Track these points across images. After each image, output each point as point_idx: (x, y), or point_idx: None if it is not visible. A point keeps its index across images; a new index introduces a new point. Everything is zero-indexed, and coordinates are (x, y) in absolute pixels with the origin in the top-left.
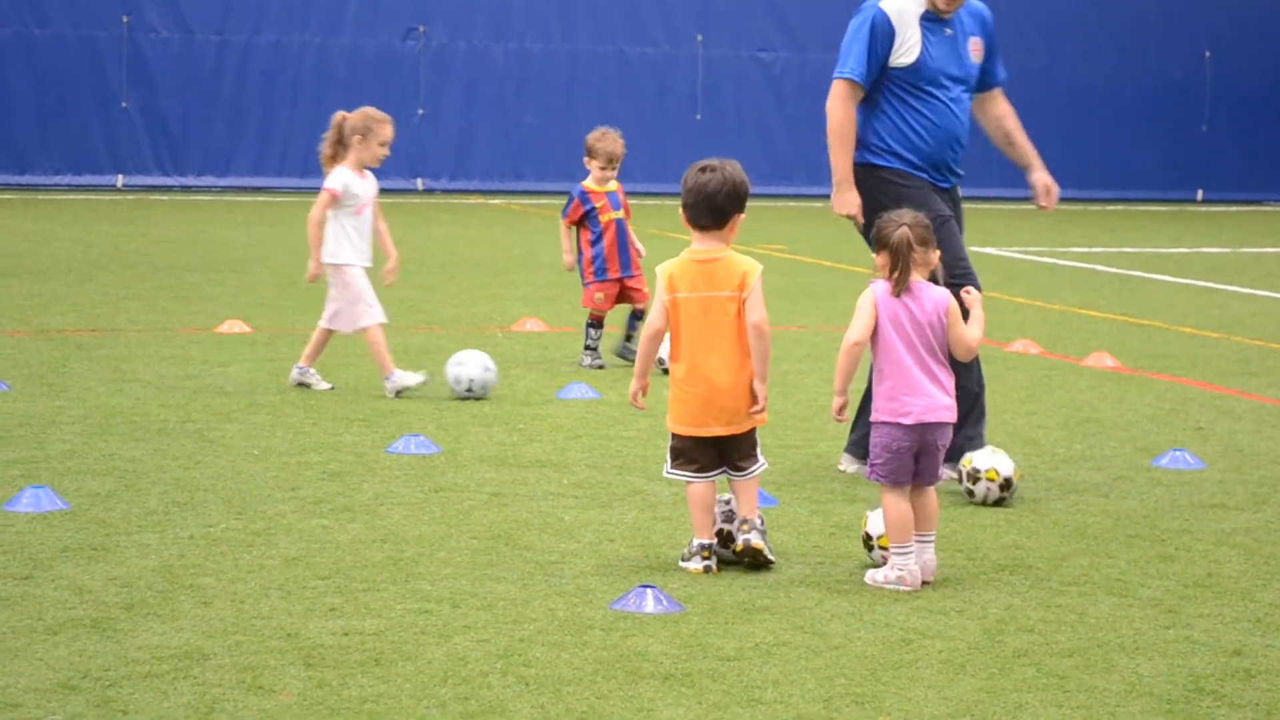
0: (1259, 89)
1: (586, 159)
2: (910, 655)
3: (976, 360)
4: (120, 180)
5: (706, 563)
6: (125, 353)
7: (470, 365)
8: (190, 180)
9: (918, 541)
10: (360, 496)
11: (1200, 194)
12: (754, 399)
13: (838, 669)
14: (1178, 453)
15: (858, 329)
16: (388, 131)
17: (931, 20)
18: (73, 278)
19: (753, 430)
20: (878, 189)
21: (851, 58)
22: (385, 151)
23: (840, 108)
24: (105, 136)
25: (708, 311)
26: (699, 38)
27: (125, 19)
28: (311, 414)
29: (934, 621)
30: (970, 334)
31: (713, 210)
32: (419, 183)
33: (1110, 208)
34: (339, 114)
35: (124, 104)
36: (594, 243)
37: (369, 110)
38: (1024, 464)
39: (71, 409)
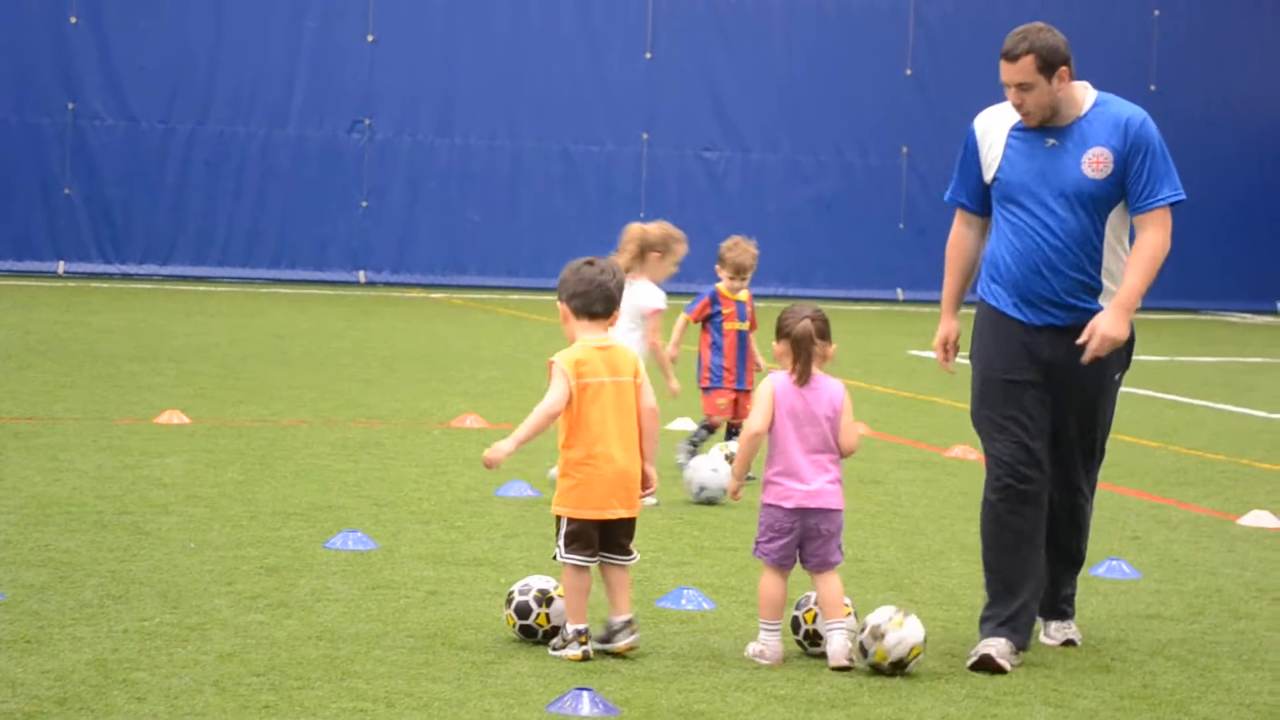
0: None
1: (717, 266)
2: None
3: (1087, 525)
4: (61, 267)
5: (584, 648)
6: (62, 441)
7: (699, 470)
8: (132, 268)
9: (829, 628)
10: (297, 592)
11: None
12: (646, 481)
13: None
14: (1114, 562)
15: (756, 419)
16: (682, 250)
17: (1025, 131)
18: (11, 365)
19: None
20: (978, 318)
21: (954, 178)
22: (675, 270)
23: (951, 232)
24: (47, 223)
25: (618, 396)
26: (644, 136)
27: (70, 105)
28: (249, 507)
29: None
30: (851, 437)
31: (604, 299)
32: (360, 275)
33: None
34: (636, 227)
35: (66, 190)
36: (714, 347)
37: (669, 229)
38: (963, 570)
39: (7, 498)
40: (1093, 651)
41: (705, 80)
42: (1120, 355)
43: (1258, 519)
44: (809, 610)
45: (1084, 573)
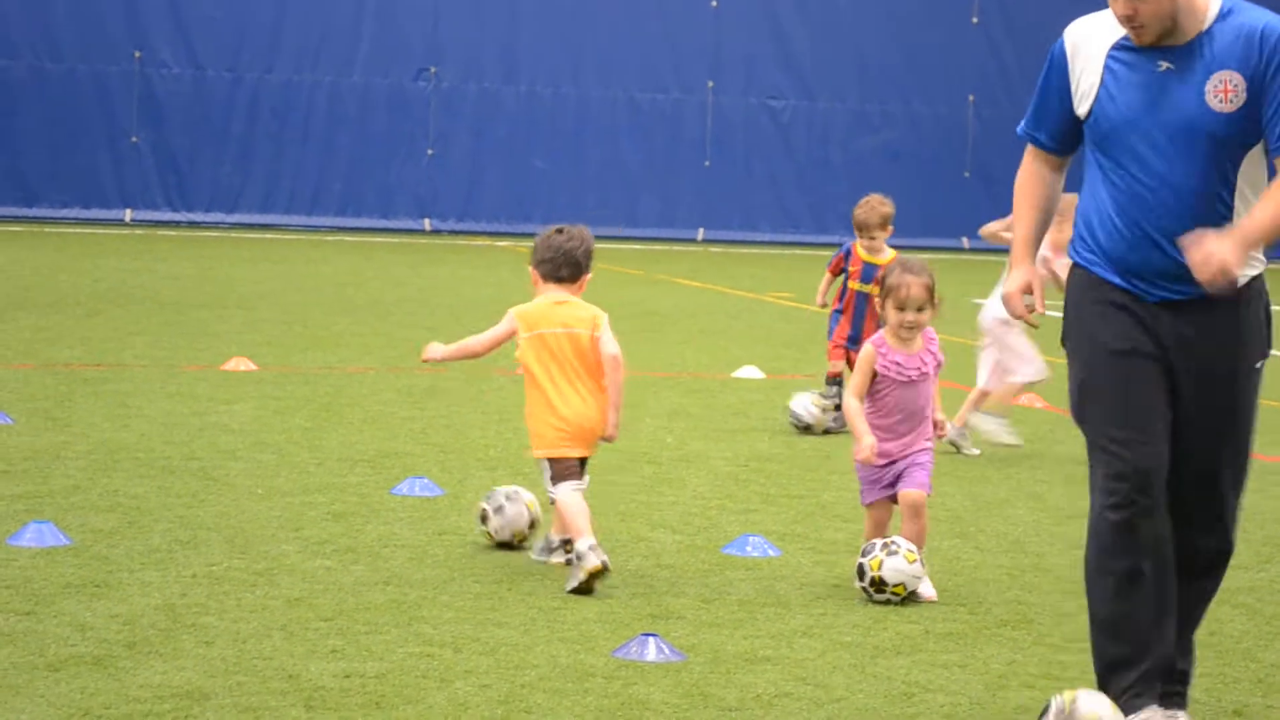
0: None
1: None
2: (912, 709)
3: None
4: (128, 215)
5: (569, 556)
6: (130, 388)
7: (797, 402)
8: (198, 216)
9: None
10: (364, 538)
11: None
12: (606, 425)
13: None
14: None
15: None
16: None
17: (1130, 51)
18: (79, 312)
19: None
20: (1070, 290)
21: (1031, 107)
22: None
23: (1020, 172)
24: (114, 171)
25: (572, 346)
26: (710, 84)
27: (137, 55)
28: (316, 454)
29: (936, 675)
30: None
31: (570, 265)
32: (426, 223)
33: None
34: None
35: (134, 139)
36: (838, 304)
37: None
38: (1029, 518)
39: (76, 444)
40: None
41: (771, 28)
42: (1260, 337)
43: None
44: (874, 558)
45: None
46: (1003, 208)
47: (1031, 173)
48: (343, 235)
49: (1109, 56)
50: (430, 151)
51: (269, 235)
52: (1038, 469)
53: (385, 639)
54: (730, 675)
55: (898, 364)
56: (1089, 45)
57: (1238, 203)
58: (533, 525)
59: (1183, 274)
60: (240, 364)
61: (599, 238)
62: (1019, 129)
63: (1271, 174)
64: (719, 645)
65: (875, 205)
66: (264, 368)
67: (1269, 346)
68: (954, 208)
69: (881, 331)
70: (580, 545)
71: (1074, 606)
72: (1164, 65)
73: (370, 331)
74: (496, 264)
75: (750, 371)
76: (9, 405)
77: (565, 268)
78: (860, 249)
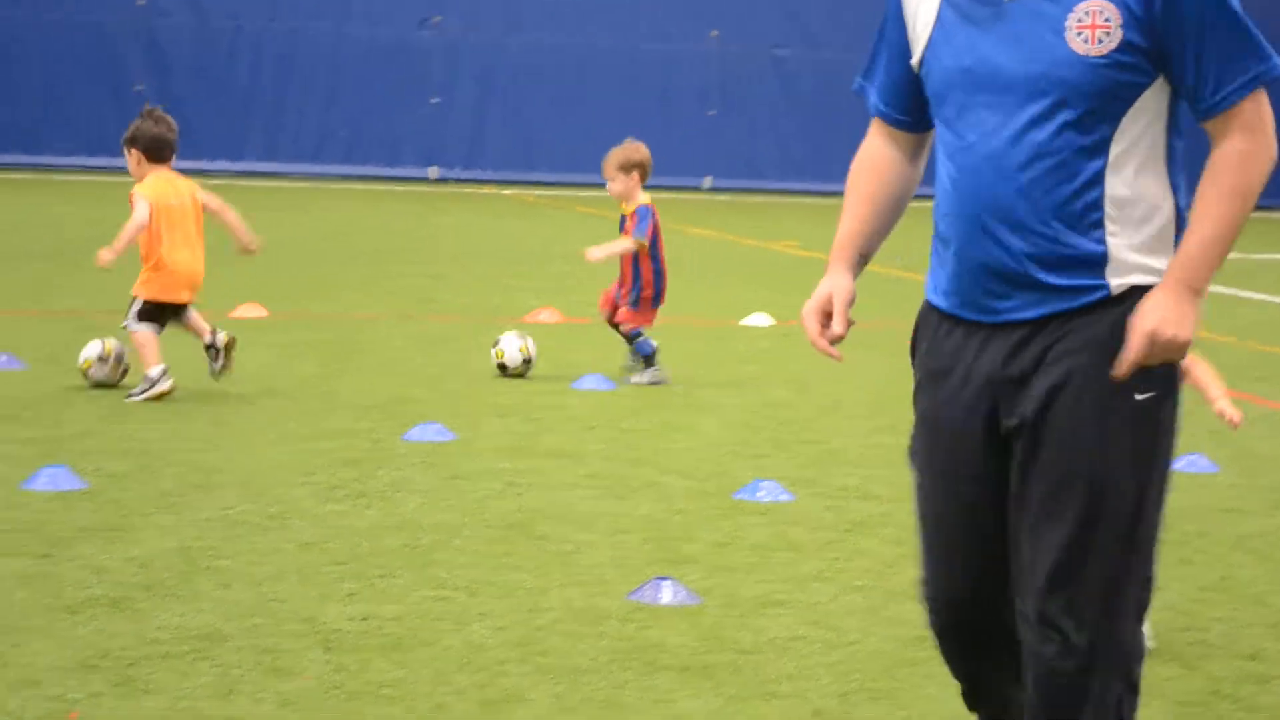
0: None
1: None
2: (926, 653)
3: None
4: None
5: (171, 381)
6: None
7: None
8: (204, 164)
9: None
10: (376, 483)
11: None
12: (246, 237)
13: (854, 664)
14: (1193, 457)
15: None
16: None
17: None
18: (85, 260)
19: None
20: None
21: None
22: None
23: (860, 149)
24: (118, 120)
25: (184, 212)
26: (714, 33)
27: (140, 2)
28: (328, 400)
29: None
30: None
31: (170, 148)
32: (432, 171)
33: None
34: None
35: (138, 87)
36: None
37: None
38: None
39: (88, 389)
40: (1173, 545)
41: None
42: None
43: None
44: None
45: None
46: None
47: (869, 151)
48: (348, 183)
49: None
50: (435, 99)
51: (274, 183)
52: None
53: (400, 583)
54: (744, 619)
55: None
56: None
57: (1114, 182)
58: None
59: (1026, 279)
60: (250, 310)
61: (603, 185)
62: (854, 86)
63: (1172, 149)
64: (733, 589)
65: (622, 148)
66: (274, 314)
67: (1166, 377)
68: None
69: None
70: (154, 372)
71: None
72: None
73: (378, 279)
74: (503, 212)
75: (760, 318)
76: (20, 350)
77: (167, 148)
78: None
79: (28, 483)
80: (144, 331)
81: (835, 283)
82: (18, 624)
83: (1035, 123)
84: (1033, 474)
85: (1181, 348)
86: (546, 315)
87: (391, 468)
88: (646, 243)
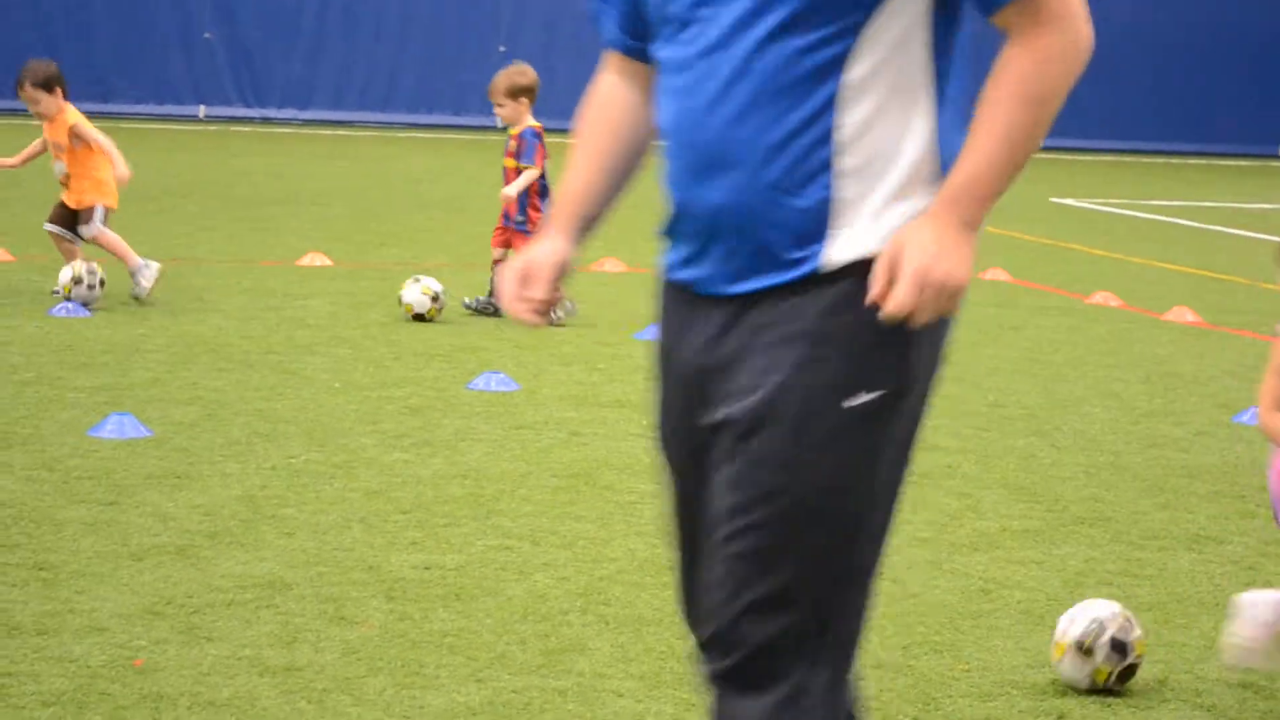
0: None
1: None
2: (989, 605)
3: None
4: (202, 111)
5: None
6: (206, 283)
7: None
8: (271, 112)
9: None
10: (441, 432)
11: None
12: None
13: (916, 617)
14: (1258, 409)
15: None
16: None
17: None
18: (152, 207)
19: None
20: None
21: None
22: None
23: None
24: (187, 67)
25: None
26: None
27: None
28: (393, 349)
29: (1013, 572)
30: None
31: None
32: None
33: (1190, 160)
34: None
35: (207, 35)
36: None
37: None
38: (1105, 416)
39: (155, 337)
40: (1237, 499)
41: None
42: (857, 359)
43: None
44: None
45: (1228, 419)
46: (1078, 110)
47: (603, 93)
48: (415, 132)
49: None
50: (502, 48)
51: (341, 132)
52: (1114, 367)
53: (464, 531)
54: None
55: None
56: None
57: (847, 116)
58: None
59: (738, 246)
60: (315, 259)
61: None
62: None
63: (941, 74)
64: None
65: (508, 72)
66: (338, 263)
67: (892, 374)
68: None
69: None
70: (142, 262)
71: (1150, 505)
72: None
73: (443, 228)
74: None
75: None
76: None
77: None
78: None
79: (95, 430)
80: (112, 234)
81: (546, 247)
82: (84, 570)
83: (749, 34)
84: (723, 485)
85: (955, 293)
86: (611, 265)
87: (456, 417)
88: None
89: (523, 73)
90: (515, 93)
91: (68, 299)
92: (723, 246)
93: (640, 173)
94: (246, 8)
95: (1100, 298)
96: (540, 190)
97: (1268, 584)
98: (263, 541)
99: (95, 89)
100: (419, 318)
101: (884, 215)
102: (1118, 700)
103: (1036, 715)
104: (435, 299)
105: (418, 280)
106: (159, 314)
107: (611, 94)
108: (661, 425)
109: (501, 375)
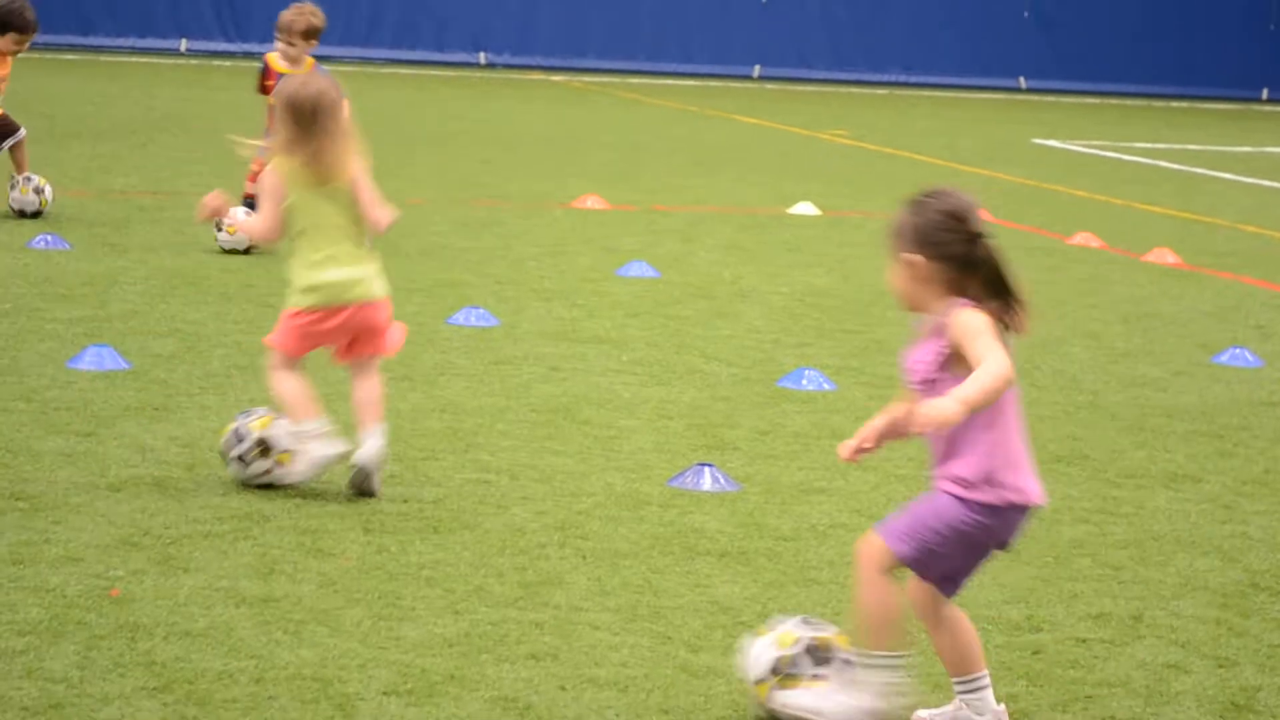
0: None
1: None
2: None
3: None
4: (184, 45)
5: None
6: (187, 216)
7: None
8: (253, 46)
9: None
10: (420, 366)
11: (1265, 93)
12: None
13: None
14: (1237, 350)
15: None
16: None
17: None
18: (135, 140)
19: None
20: None
21: None
22: None
23: None
24: (169, 1)
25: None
26: None
27: None
28: None
29: None
30: None
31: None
32: (481, 56)
33: (1173, 104)
34: None
35: None
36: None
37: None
38: (1085, 356)
39: (134, 270)
40: (1215, 438)
41: None
42: None
43: None
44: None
45: (1207, 360)
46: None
47: None
48: (397, 68)
49: None
50: None
51: (324, 67)
52: (1094, 308)
53: (442, 465)
54: (785, 505)
55: None
56: None
57: None
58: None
59: None
60: None
61: (654, 73)
62: None
63: None
64: (774, 476)
65: (306, 13)
66: None
67: None
68: (1010, 47)
69: None
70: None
71: (1128, 444)
72: None
73: (425, 164)
74: (553, 99)
75: (806, 208)
76: (67, 231)
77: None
78: (276, 60)
79: (73, 362)
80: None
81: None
82: (61, 501)
83: None
84: None
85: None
86: (593, 202)
87: (435, 351)
88: None
89: (316, 13)
90: (310, 34)
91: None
92: None
93: None
94: None
95: (1081, 238)
96: None
97: (1244, 523)
98: None
99: (75, 23)
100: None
101: None
102: (1093, 637)
103: (1012, 650)
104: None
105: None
106: (138, 247)
107: None
108: None
109: (481, 310)
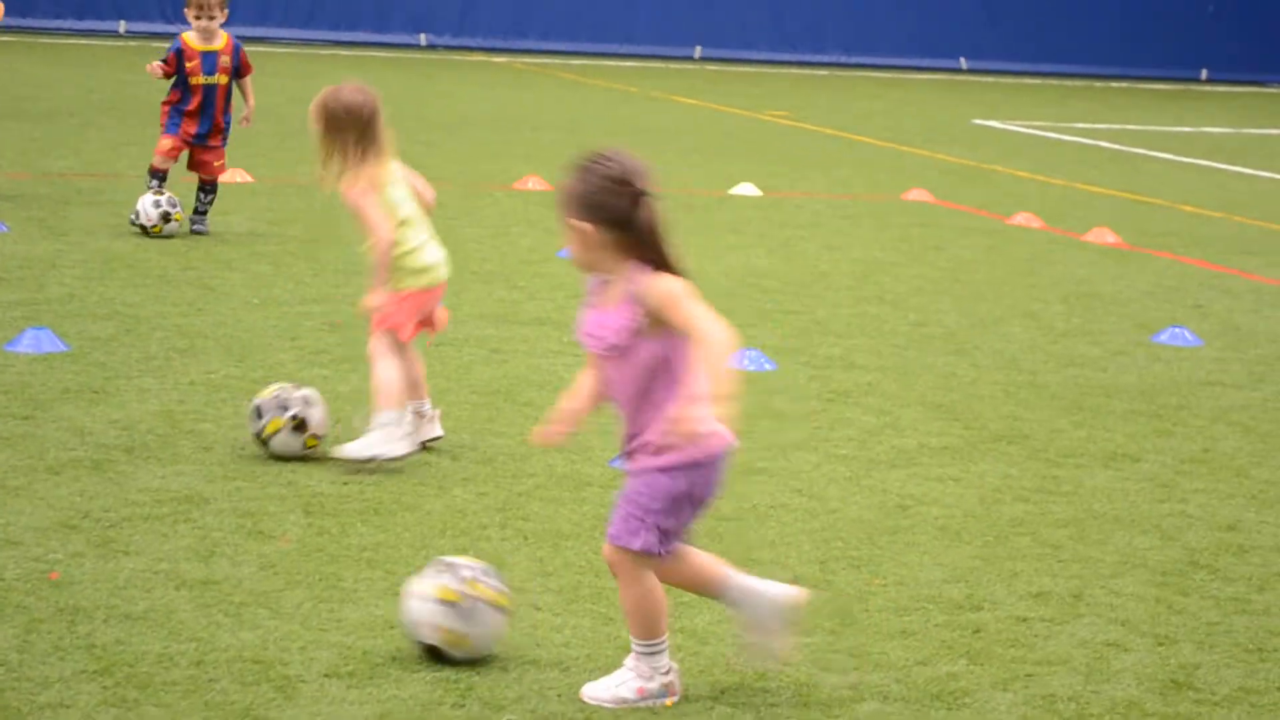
0: None
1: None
2: (906, 521)
3: None
4: (122, 26)
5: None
6: (126, 198)
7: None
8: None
9: None
10: (360, 348)
11: (1204, 73)
12: None
13: (834, 532)
14: (1176, 329)
15: None
16: None
17: None
18: (74, 122)
19: None
20: None
21: None
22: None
23: None
24: None
25: None
26: None
27: None
28: (313, 265)
29: (930, 489)
30: None
31: None
32: (422, 38)
33: (1114, 84)
34: None
35: None
36: (178, 101)
37: None
38: (1024, 336)
39: (72, 253)
40: (1154, 417)
41: None
42: None
43: None
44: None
45: (1146, 339)
46: (1002, 30)
47: None
48: (337, 49)
49: None
50: None
51: (263, 48)
52: (1034, 288)
53: None
54: (727, 486)
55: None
56: None
57: None
58: None
59: None
60: (236, 176)
61: (595, 54)
62: None
63: None
64: None
65: None
66: (260, 179)
67: None
68: (951, 26)
69: None
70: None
71: (1067, 423)
72: None
73: None
74: (494, 81)
75: (747, 189)
76: (4, 213)
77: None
78: (191, 39)
79: (11, 345)
80: None
81: None
82: None
83: None
84: None
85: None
86: (534, 183)
87: None
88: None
89: None
90: (226, 4)
91: None
92: None
93: None
94: None
95: (1021, 219)
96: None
97: (1183, 501)
98: (180, 456)
99: (14, 3)
100: (143, 230)
101: None
102: (1033, 615)
103: (952, 629)
104: (161, 211)
105: (159, 193)
106: (76, 229)
107: None
108: None
109: None
